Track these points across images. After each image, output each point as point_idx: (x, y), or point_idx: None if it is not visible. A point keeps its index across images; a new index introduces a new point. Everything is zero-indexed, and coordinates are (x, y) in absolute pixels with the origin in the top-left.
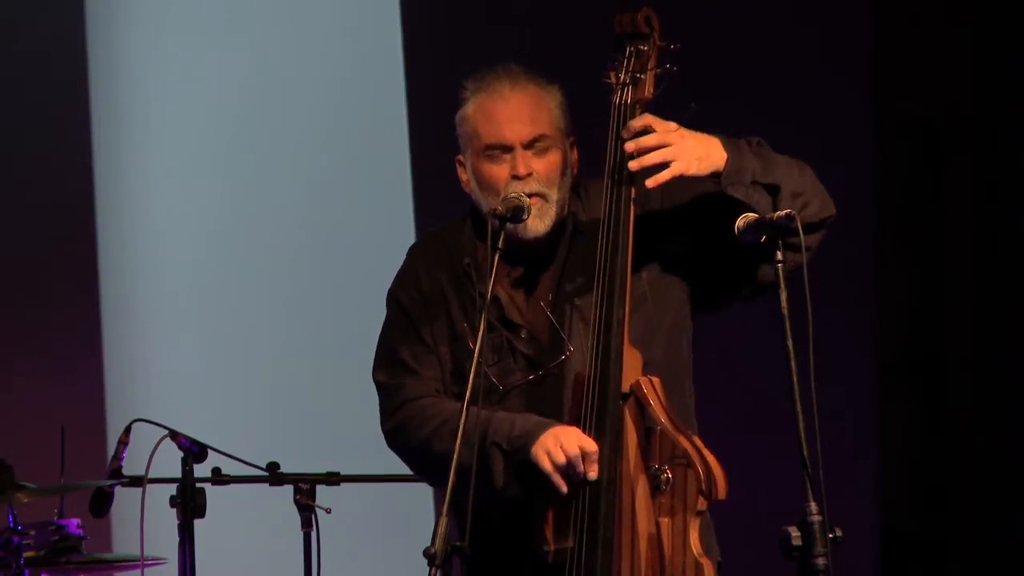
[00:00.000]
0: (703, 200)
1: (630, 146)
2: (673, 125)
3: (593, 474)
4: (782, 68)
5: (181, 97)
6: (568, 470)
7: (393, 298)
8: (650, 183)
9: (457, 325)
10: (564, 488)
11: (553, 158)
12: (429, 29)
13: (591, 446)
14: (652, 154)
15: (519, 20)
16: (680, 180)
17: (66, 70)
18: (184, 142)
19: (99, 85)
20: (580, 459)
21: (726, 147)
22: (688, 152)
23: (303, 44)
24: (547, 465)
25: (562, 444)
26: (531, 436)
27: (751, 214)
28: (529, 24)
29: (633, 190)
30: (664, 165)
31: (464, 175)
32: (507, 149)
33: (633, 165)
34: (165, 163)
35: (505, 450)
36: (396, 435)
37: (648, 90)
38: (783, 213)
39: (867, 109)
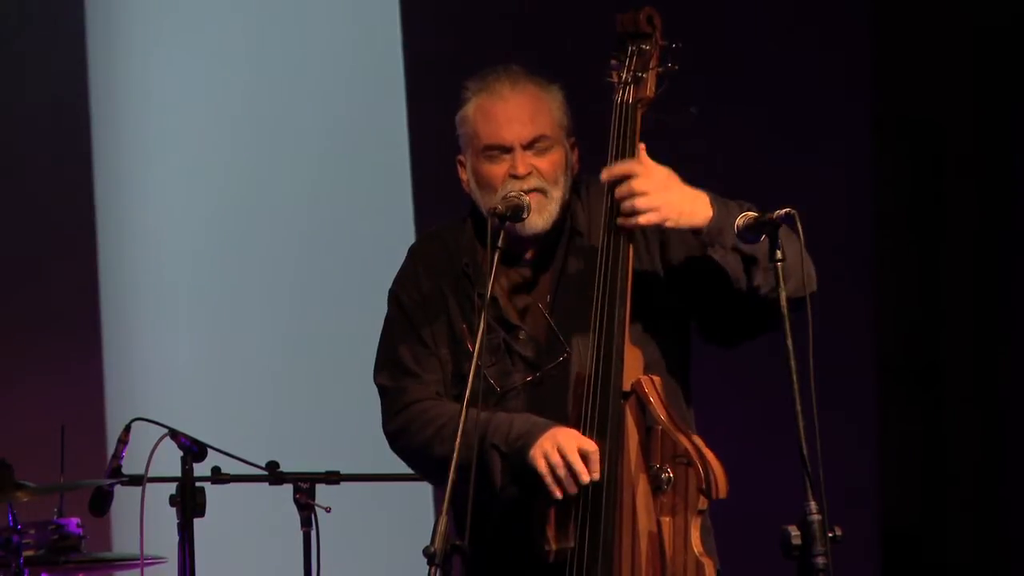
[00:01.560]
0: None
1: (614, 187)
2: (664, 173)
3: (595, 476)
4: (782, 68)
5: (181, 97)
6: (565, 474)
7: (394, 298)
8: (621, 220)
9: (456, 326)
10: (558, 493)
11: (554, 157)
12: (429, 30)
13: (591, 446)
14: (633, 201)
15: (519, 20)
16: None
17: (66, 70)
18: (184, 142)
19: (99, 85)
20: (580, 461)
21: (713, 205)
22: (671, 205)
23: (303, 44)
24: (543, 468)
25: (560, 447)
26: (529, 437)
27: (751, 213)
28: (529, 24)
29: None
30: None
31: (464, 175)
32: (506, 150)
33: (622, 206)
34: (165, 163)
35: (503, 452)
36: (398, 438)
37: (650, 89)
38: (783, 212)
39: (867, 109)
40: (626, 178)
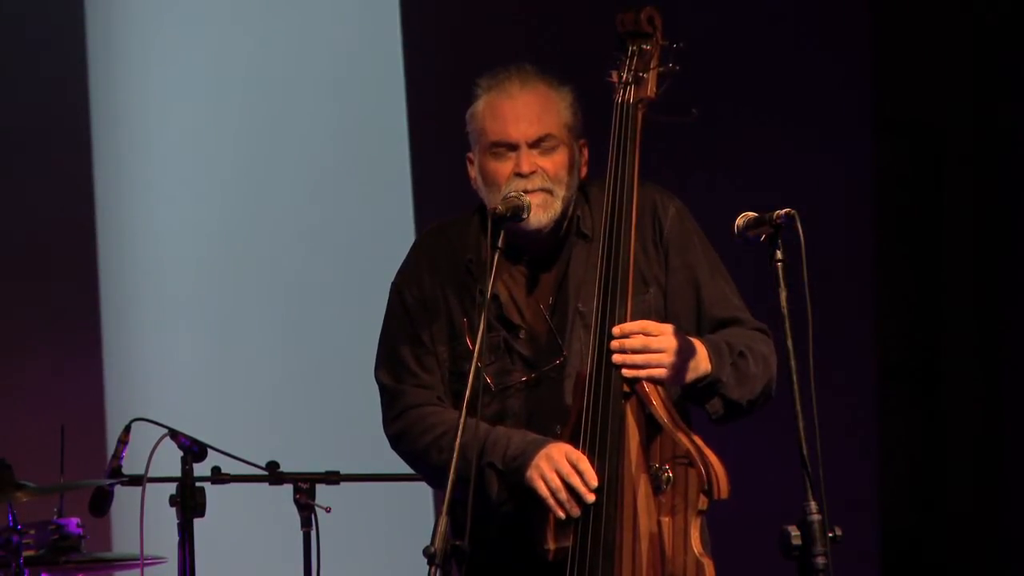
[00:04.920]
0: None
1: (615, 345)
2: (670, 329)
3: (593, 484)
4: (782, 68)
5: (181, 96)
6: (566, 496)
7: (396, 291)
8: (628, 373)
9: (456, 323)
10: (561, 515)
11: (560, 157)
12: (429, 30)
13: (578, 456)
14: (641, 357)
15: (519, 20)
16: (684, 232)
17: (66, 70)
18: (184, 141)
19: (99, 85)
20: (580, 482)
21: (711, 358)
22: (681, 364)
23: (303, 44)
24: (545, 492)
25: (558, 469)
26: (525, 457)
27: (751, 212)
28: (530, 24)
29: (636, 190)
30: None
31: (473, 172)
32: (512, 147)
33: (617, 358)
34: (165, 162)
35: (500, 470)
36: (398, 441)
37: (651, 89)
38: (783, 212)
39: (867, 109)
40: (638, 332)
